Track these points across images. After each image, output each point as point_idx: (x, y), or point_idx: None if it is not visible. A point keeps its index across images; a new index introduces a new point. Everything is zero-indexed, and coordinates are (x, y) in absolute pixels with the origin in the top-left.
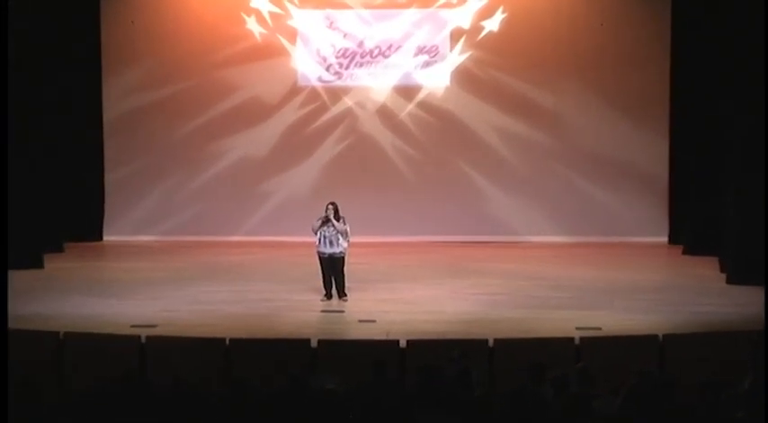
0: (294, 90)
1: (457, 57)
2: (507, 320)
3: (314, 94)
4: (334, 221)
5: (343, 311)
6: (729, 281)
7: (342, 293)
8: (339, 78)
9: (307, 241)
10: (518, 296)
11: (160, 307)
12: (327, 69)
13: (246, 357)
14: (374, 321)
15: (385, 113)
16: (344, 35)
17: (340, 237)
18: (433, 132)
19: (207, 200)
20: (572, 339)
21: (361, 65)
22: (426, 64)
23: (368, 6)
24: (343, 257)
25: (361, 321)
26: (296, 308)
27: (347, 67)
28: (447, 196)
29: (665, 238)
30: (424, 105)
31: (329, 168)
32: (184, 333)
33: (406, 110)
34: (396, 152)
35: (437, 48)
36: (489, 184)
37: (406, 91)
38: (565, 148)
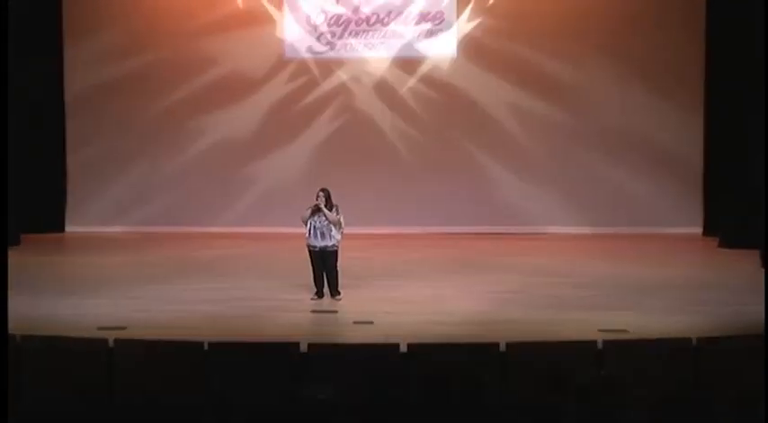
0: (281, 63)
1: (465, 24)
2: (522, 322)
3: (303, 67)
4: (326, 211)
5: (336, 312)
6: None
7: (335, 291)
8: (331, 49)
9: (295, 233)
10: (535, 295)
11: (130, 307)
12: (318, 39)
13: (227, 363)
14: (371, 323)
15: (383, 89)
16: (337, 0)
17: (332, 228)
18: (437, 110)
19: (183, 186)
20: (594, 343)
21: (357, 34)
22: (430, 33)
23: None
24: (335, 251)
25: (356, 323)
26: (283, 308)
27: (341, 37)
28: (454, 182)
29: (699, 229)
30: (427, 80)
31: (320, 151)
32: (158, 336)
33: (408, 85)
34: (396, 133)
35: (442, 14)
36: (502, 168)
37: (408, 63)
38: (587, 128)
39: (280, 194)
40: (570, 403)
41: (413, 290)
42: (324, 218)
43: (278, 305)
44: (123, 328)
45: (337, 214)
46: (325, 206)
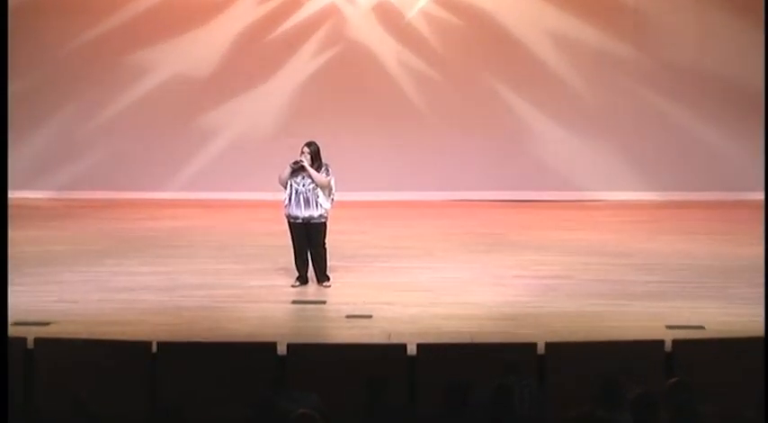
0: None
1: None
2: (567, 316)
3: None
4: (312, 170)
5: (324, 303)
6: None
7: (322, 276)
8: None
9: (270, 201)
10: (583, 280)
11: (55, 295)
12: None
13: (182, 370)
14: (370, 317)
15: (386, 12)
16: None
17: (320, 193)
18: (457, 41)
19: (120, 140)
20: (661, 344)
21: None
22: None
23: None
24: (323, 223)
25: (350, 317)
26: (254, 298)
27: None
28: (478, 135)
29: None
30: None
31: (303, 94)
32: (91, 334)
33: (419, 6)
34: (403, 71)
35: None
36: (542, 116)
37: None
38: (652, 64)
39: (249, 150)
40: (626, 420)
41: (423, 274)
42: (309, 180)
43: (247, 294)
44: (46, 324)
45: (327, 175)
46: (312, 165)
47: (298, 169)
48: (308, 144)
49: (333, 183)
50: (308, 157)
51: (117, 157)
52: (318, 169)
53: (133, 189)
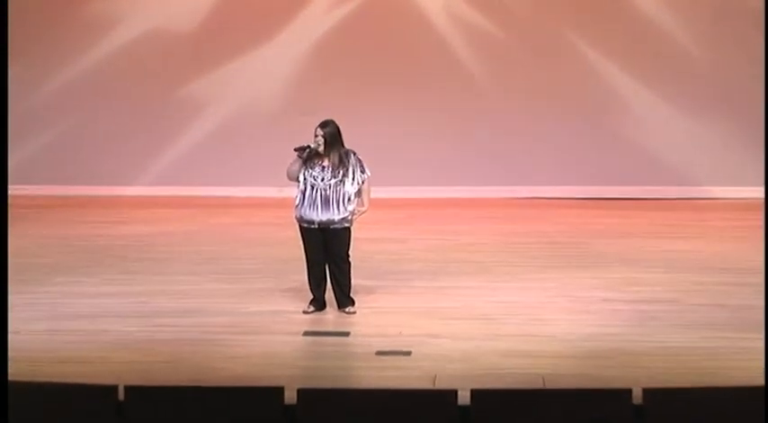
0: None
1: None
2: (671, 353)
3: None
4: (334, 156)
5: (347, 334)
6: None
7: (345, 299)
8: None
9: (275, 199)
10: (693, 306)
11: None
12: None
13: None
14: (408, 354)
15: None
16: None
17: (344, 190)
18: None
19: (77, 117)
20: None
21: None
22: None
23: None
24: (347, 229)
25: (381, 354)
26: (254, 328)
27: None
28: (555, 113)
29: None
30: None
31: (317, 58)
32: (36, 376)
33: None
34: (452, 25)
35: None
36: (644, 89)
37: None
38: None
39: (244, 134)
40: None
41: (479, 297)
42: (330, 172)
43: (244, 323)
44: None
45: (359, 170)
46: (326, 151)
47: (310, 155)
48: (323, 124)
49: (366, 178)
50: (323, 141)
51: (70, 140)
52: (341, 159)
53: (92, 183)
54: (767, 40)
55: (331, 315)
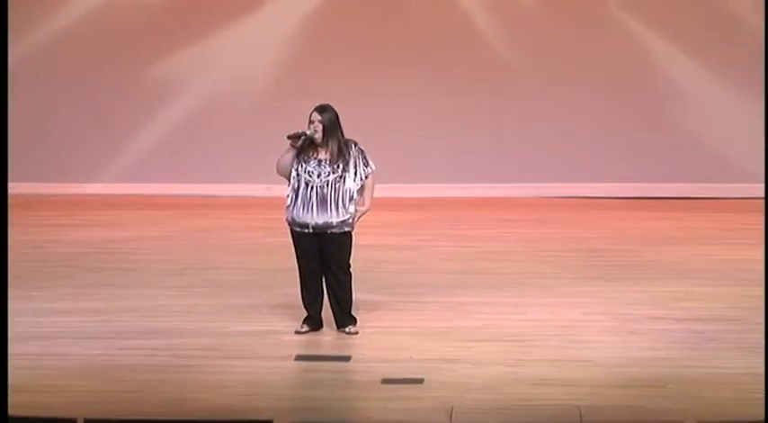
0: None
1: None
2: (732, 381)
3: None
4: (333, 147)
5: (347, 359)
6: None
7: (345, 317)
8: None
9: (260, 198)
10: (758, 325)
11: None
12: None
13: None
14: (421, 382)
15: None
16: None
17: (344, 187)
18: None
19: (26, 101)
20: None
21: None
22: None
23: None
24: (347, 234)
25: (388, 382)
26: (237, 351)
27: None
28: (594, 96)
29: None
30: None
31: (312, 31)
32: None
33: None
34: None
35: None
36: (702, 71)
37: None
38: None
39: (223, 122)
40: None
41: (506, 314)
42: (328, 167)
43: (225, 346)
44: None
45: (363, 163)
46: (325, 141)
47: (303, 143)
48: (321, 109)
49: (371, 173)
50: (320, 128)
51: (15, 128)
52: (340, 150)
53: (45, 179)
54: (767, 42)
55: (328, 336)
